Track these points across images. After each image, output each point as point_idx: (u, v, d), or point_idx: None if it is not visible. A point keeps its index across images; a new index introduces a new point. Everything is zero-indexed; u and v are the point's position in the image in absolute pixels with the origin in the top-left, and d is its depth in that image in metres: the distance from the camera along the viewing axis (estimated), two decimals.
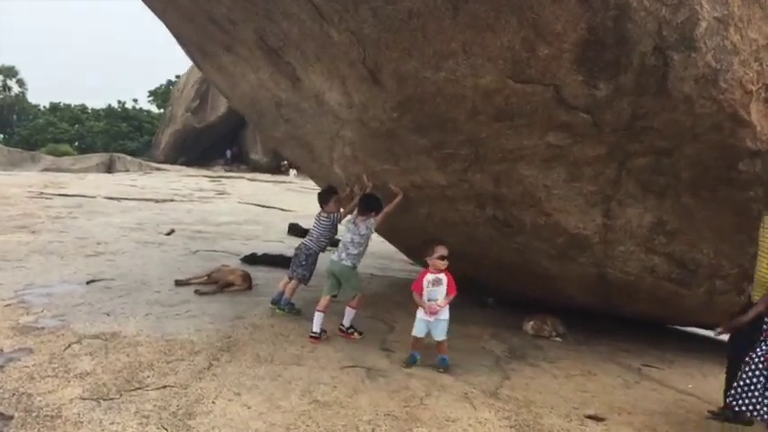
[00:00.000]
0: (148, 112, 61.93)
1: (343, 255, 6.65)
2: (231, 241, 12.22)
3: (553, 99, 5.31)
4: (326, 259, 7.57)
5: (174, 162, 45.94)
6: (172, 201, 18.48)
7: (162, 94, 60.35)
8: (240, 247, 11.59)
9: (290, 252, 11.11)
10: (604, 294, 7.35)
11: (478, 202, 6.56)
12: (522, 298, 8.26)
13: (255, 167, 46.25)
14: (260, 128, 8.89)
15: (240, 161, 49.65)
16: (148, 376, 5.18)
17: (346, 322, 6.70)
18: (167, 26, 8.09)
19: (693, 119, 5.46)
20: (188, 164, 45.41)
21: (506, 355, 6.82)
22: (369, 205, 6.74)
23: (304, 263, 7.39)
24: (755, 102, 5.45)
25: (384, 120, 5.99)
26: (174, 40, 8.44)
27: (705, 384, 6.70)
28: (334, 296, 6.76)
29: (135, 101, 62.47)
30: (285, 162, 46.06)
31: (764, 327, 4.83)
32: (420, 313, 6.14)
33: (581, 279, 7.05)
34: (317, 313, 6.56)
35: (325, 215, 7.44)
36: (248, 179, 30.39)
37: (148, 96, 62.72)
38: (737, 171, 5.97)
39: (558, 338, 7.63)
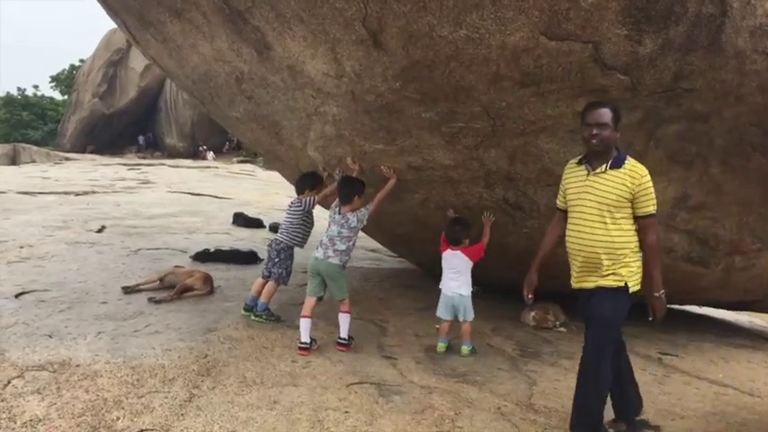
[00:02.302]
0: (51, 98, 58.56)
1: (330, 251, 5.70)
2: (172, 236, 11.03)
3: (590, 59, 4.51)
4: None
5: (82, 151, 43.61)
6: (93, 193, 16.94)
7: (65, 80, 57.11)
8: (184, 242, 10.43)
9: (241, 245, 10.14)
10: None
11: (487, 183, 5.73)
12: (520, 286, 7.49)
13: (171, 153, 44.51)
14: (212, 109, 7.77)
15: (155, 147, 47.70)
16: (119, 418, 4.14)
17: (344, 333, 5.75)
18: None
19: (741, 78, 4.82)
20: (98, 152, 43.16)
21: (519, 354, 6.06)
22: (350, 192, 5.79)
23: (277, 260, 6.41)
24: None
25: (383, 91, 5.05)
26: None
27: (732, 371, 6.16)
28: (320, 298, 5.82)
29: (36, 87, 58.97)
30: (203, 146, 44.44)
31: None
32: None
33: None
34: (302, 320, 5.62)
35: (297, 201, 6.46)
36: (170, 166, 28.69)
37: (50, 82, 59.20)
38: None
39: (562, 328, 6.94)
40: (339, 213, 5.78)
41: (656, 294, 3.99)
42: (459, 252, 5.85)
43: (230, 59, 6.17)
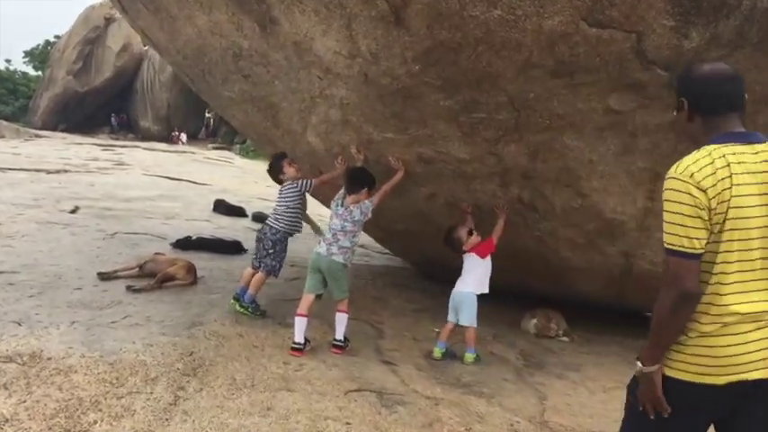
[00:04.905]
0: (24, 74, 57.03)
1: (334, 248, 5.29)
2: (149, 220, 10.53)
3: (631, 50, 4.15)
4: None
5: (53, 128, 42.36)
6: (66, 172, 16.28)
7: (39, 55, 55.65)
8: (162, 227, 9.94)
9: (222, 233, 9.67)
10: (621, 288, 6.36)
11: (503, 181, 5.35)
12: (521, 291, 7.16)
13: (145, 136, 43.61)
14: (202, 87, 7.29)
15: (128, 129, 46.75)
16: (96, 422, 3.70)
17: (339, 334, 5.34)
18: None
19: None
20: (69, 131, 42.00)
21: (523, 365, 5.71)
22: (360, 181, 5.42)
23: (272, 251, 5.95)
24: None
25: (400, 74, 4.64)
26: None
27: None
28: (319, 296, 5.41)
29: (8, 61, 57.35)
30: (176, 132, 43.53)
31: None
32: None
33: (603, 271, 6.02)
34: (298, 318, 5.20)
35: (290, 183, 6.02)
36: (144, 148, 27.98)
37: (24, 57, 57.68)
38: None
39: (564, 338, 6.59)
40: (342, 206, 5.39)
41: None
42: (470, 254, 5.55)
43: (228, 33, 5.72)
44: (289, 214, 6.00)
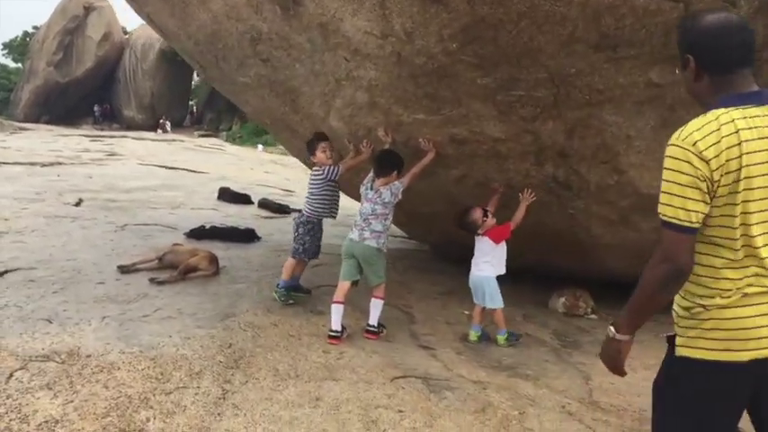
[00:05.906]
0: (4, 66, 56.27)
1: (366, 233, 5.20)
2: (155, 211, 10.37)
3: (677, 20, 4.03)
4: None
5: (35, 121, 41.84)
6: (60, 164, 16.03)
7: (18, 47, 54.85)
8: (170, 217, 9.79)
9: (230, 221, 9.53)
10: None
11: (537, 160, 5.24)
12: (544, 270, 7.10)
13: (130, 125, 43.15)
14: (215, 74, 7.12)
15: (112, 119, 46.26)
16: (149, 419, 3.60)
17: (374, 320, 5.26)
18: None
19: None
20: (52, 123, 41.47)
21: (560, 345, 5.66)
22: (390, 163, 5.32)
23: (295, 234, 5.90)
24: None
25: (436, 53, 4.52)
26: None
27: None
28: (355, 283, 5.32)
29: None
30: (162, 120, 43.07)
31: None
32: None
33: (634, 248, 5.92)
34: (334, 306, 5.12)
35: (317, 168, 5.92)
36: (134, 138, 27.66)
37: (2, 49, 56.87)
38: None
39: (593, 315, 6.54)
40: (371, 189, 5.29)
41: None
42: (483, 237, 5.50)
43: (246, 17, 5.57)
44: (313, 200, 5.91)
